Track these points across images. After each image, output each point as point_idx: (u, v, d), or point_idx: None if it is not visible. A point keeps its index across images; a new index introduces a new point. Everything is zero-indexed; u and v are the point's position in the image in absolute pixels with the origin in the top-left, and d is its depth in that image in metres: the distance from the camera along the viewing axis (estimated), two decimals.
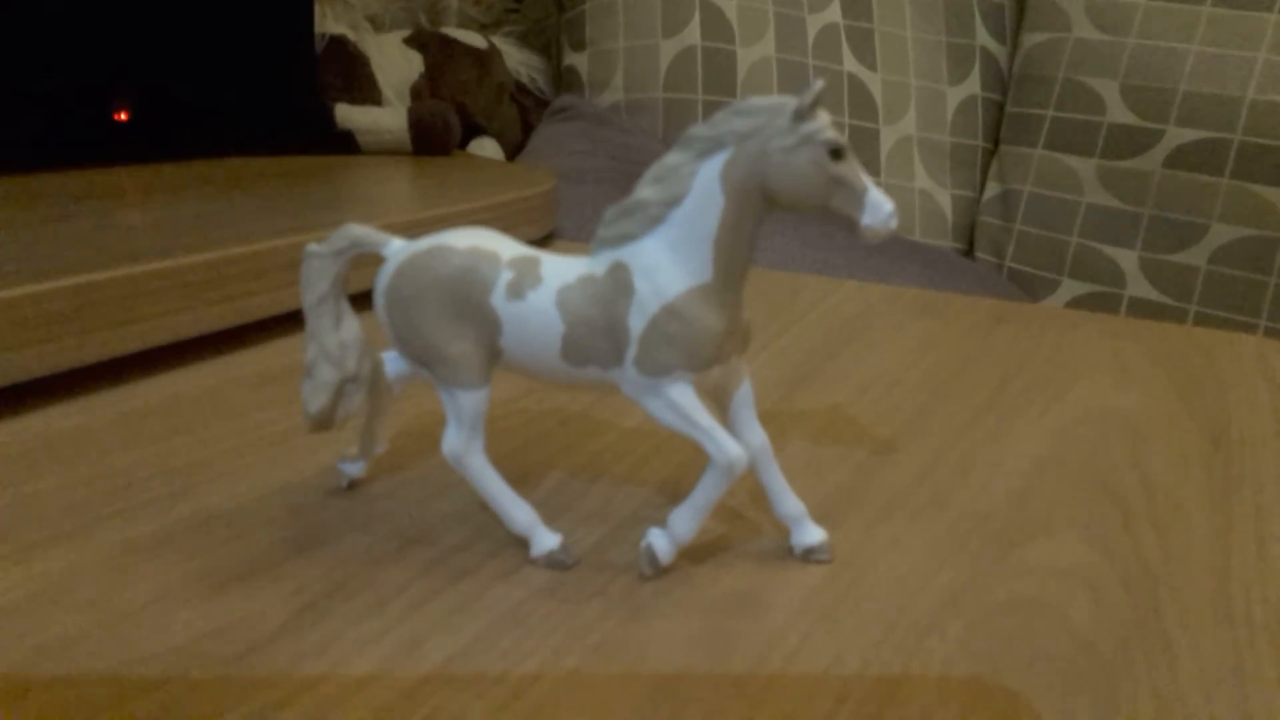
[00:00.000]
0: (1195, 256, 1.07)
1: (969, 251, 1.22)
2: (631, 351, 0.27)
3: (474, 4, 1.21)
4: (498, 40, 1.15)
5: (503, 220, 0.61)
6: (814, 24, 1.15)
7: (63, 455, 0.36)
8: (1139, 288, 1.10)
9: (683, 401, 0.27)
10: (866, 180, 0.26)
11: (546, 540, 0.29)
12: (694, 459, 0.34)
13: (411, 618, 0.27)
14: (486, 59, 1.09)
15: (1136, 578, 0.30)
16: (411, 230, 0.31)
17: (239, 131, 0.79)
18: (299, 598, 0.27)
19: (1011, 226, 1.17)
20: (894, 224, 0.26)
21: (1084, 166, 1.12)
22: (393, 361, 0.32)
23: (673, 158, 0.27)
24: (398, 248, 0.29)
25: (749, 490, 0.34)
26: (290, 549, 0.30)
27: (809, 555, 0.30)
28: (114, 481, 0.34)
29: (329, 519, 0.32)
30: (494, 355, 0.29)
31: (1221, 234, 1.06)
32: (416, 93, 1.00)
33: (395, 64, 1.00)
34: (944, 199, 1.19)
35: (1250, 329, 1.04)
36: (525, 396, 0.42)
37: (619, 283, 0.27)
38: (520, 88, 1.16)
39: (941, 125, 1.19)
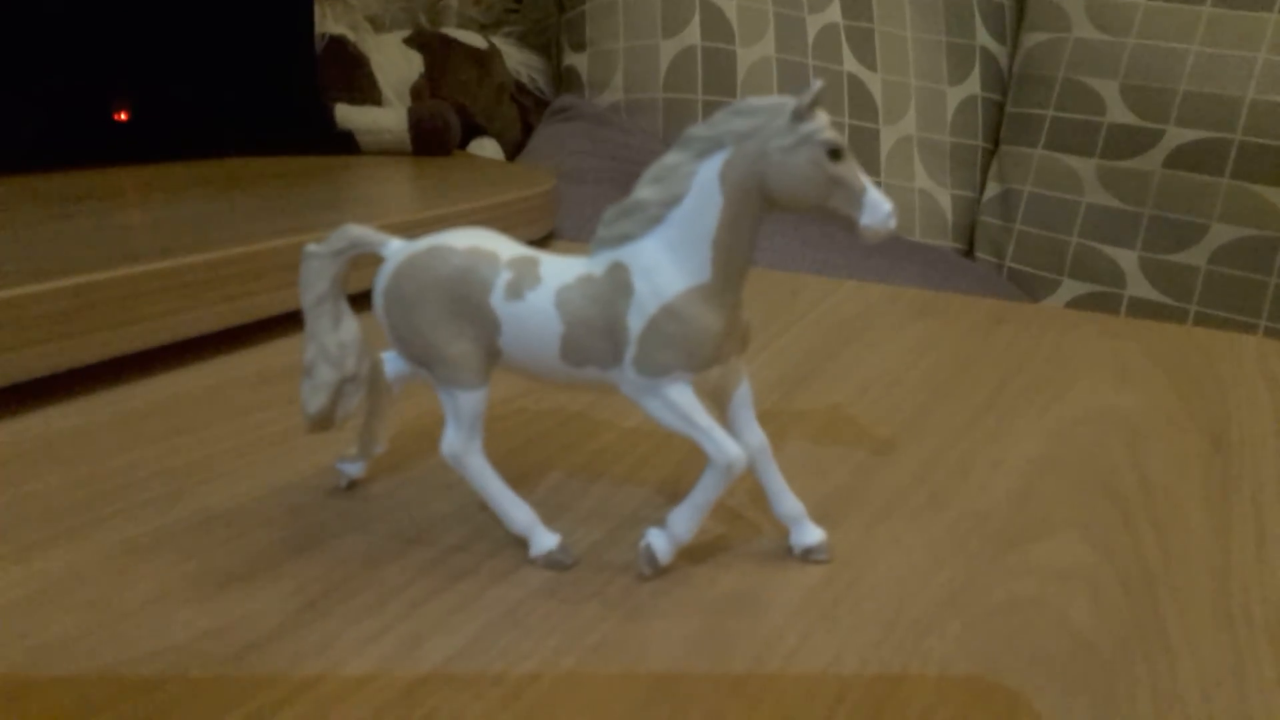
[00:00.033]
0: (1195, 256, 1.07)
1: (969, 251, 1.22)
2: (630, 352, 0.27)
3: (474, 4, 1.21)
4: (498, 40, 1.15)
5: (502, 220, 0.61)
6: (814, 24, 1.15)
7: (63, 455, 0.36)
8: (1139, 288, 1.10)
9: (681, 401, 0.27)
10: (865, 180, 0.26)
11: (545, 540, 0.29)
12: (693, 459, 0.34)
13: (410, 617, 0.27)
14: (486, 59, 1.09)
15: (1136, 578, 0.30)
16: (411, 230, 0.31)
17: (239, 131, 0.79)
18: (298, 597, 0.27)
19: (1011, 226, 1.17)
20: (893, 224, 0.26)
21: (1084, 166, 1.12)
22: (392, 361, 0.32)
23: (671, 158, 0.27)
24: (396, 248, 0.29)
25: (748, 490, 0.34)
26: (289, 549, 0.30)
27: (808, 555, 0.30)
28: (114, 481, 0.34)
29: (328, 519, 0.32)
30: (493, 355, 0.29)
31: (1221, 234, 1.06)
32: (416, 93, 1.00)
33: (395, 64, 1.00)
34: (944, 199, 1.19)
35: (1250, 329, 1.04)
36: (524, 396, 0.42)
37: (618, 283, 0.27)
38: (520, 88, 1.16)
39: (941, 125, 1.19)
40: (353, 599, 0.27)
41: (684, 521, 0.28)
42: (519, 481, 0.34)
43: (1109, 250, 1.11)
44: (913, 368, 0.49)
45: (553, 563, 0.29)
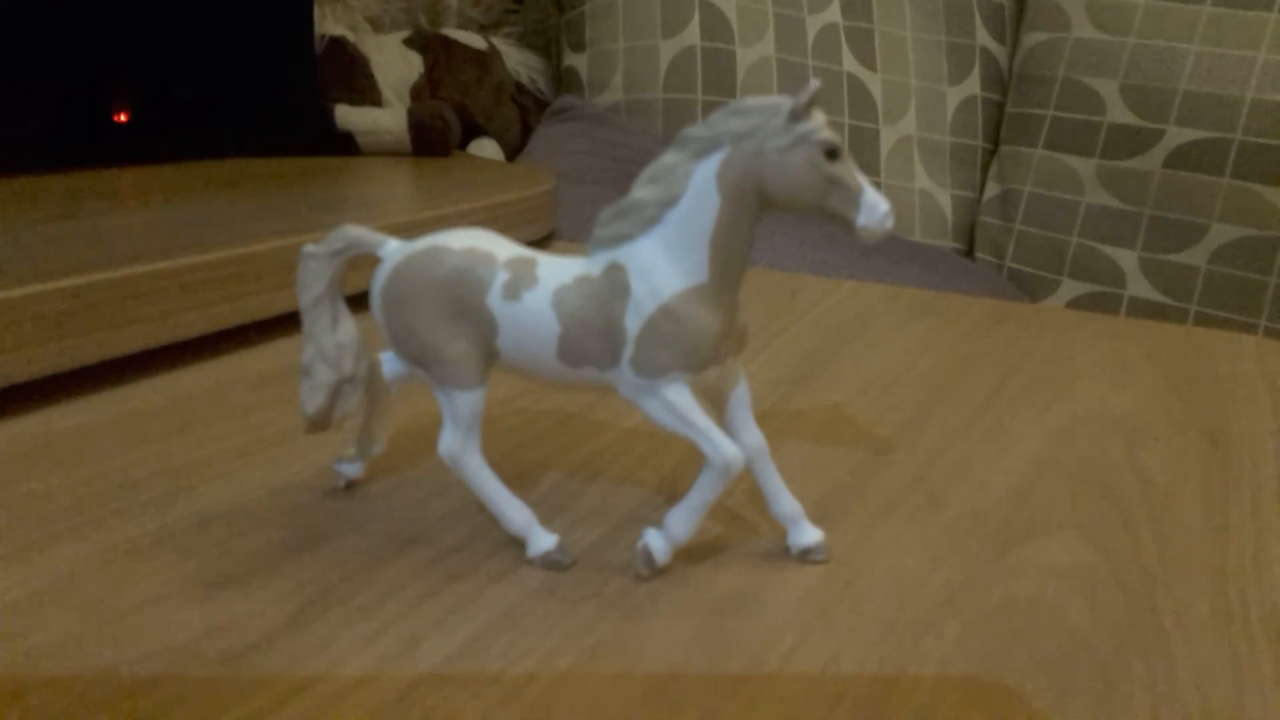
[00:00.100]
0: (1195, 256, 1.07)
1: (969, 252, 1.22)
2: (628, 352, 0.27)
3: (474, 5, 1.21)
4: (498, 41, 1.15)
5: (502, 221, 0.61)
6: (814, 24, 1.15)
7: (62, 455, 0.36)
8: (1139, 288, 1.10)
9: (679, 402, 0.27)
10: (862, 180, 0.26)
11: (543, 540, 0.29)
12: (691, 459, 0.34)
13: (408, 618, 0.27)
14: (486, 60, 1.10)
15: (1134, 577, 0.30)
16: (412, 231, 0.31)
17: (239, 132, 0.79)
18: (296, 598, 0.27)
19: (1011, 226, 1.17)
20: (890, 224, 0.26)
21: (1084, 166, 1.12)
22: (389, 362, 0.32)
23: (669, 158, 0.27)
24: (394, 248, 0.29)
25: (746, 490, 0.34)
26: (288, 549, 0.30)
27: (806, 555, 0.30)
28: (113, 481, 0.34)
29: (326, 519, 0.32)
30: (490, 356, 0.29)
31: (1221, 234, 1.06)
32: (416, 94, 1.00)
33: (395, 65, 1.00)
34: (944, 199, 1.19)
35: (1250, 329, 1.04)
36: (522, 397, 0.42)
37: (615, 283, 0.27)
38: (520, 88, 1.16)
39: (941, 125, 1.19)
40: (351, 599, 0.27)
41: (682, 522, 0.28)
42: (517, 482, 0.34)
43: (1109, 250, 1.11)
44: (912, 367, 0.49)
45: (550, 563, 0.29)
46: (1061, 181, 1.14)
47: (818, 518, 0.31)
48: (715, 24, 1.11)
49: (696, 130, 0.27)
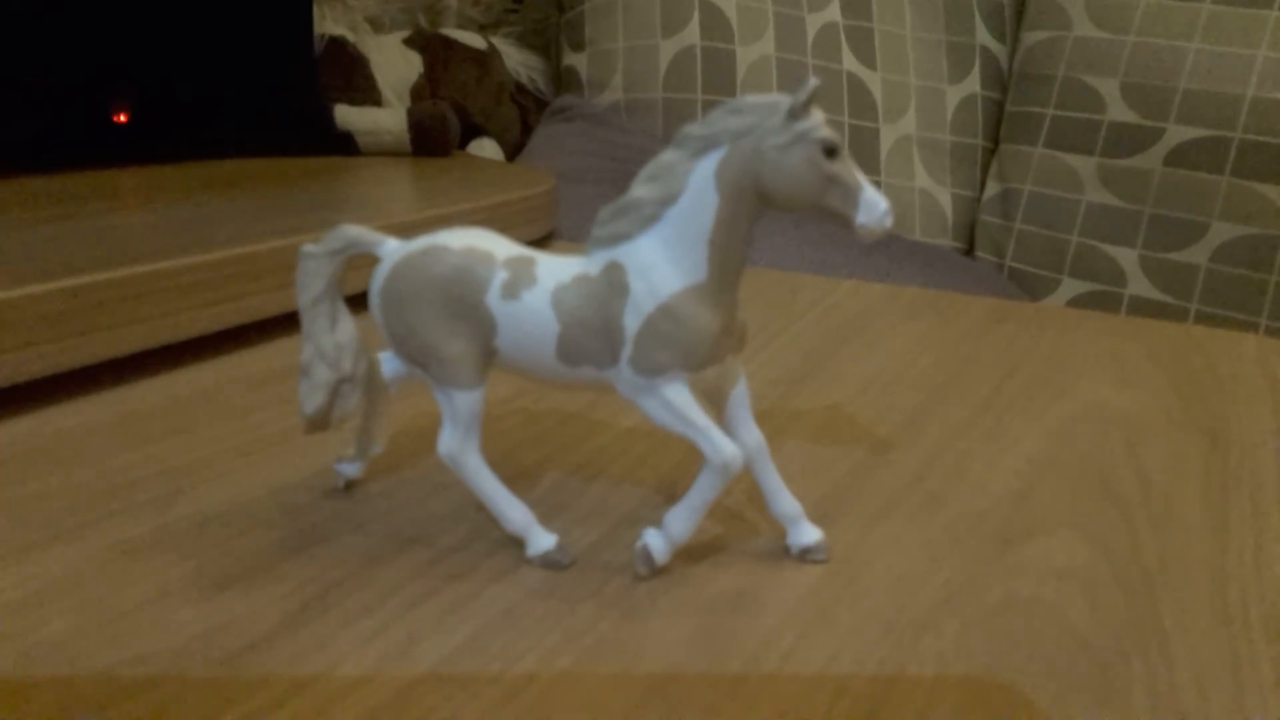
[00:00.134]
0: (1196, 255, 1.07)
1: (969, 251, 1.22)
2: (627, 351, 0.27)
3: (474, 4, 1.21)
4: (497, 41, 1.15)
5: (502, 220, 0.61)
6: (813, 23, 1.14)
7: (62, 455, 0.36)
8: (1139, 286, 1.10)
9: (678, 401, 0.27)
10: (861, 178, 0.26)
11: (542, 540, 0.29)
12: (690, 459, 0.34)
13: (407, 618, 0.27)
14: (486, 60, 1.09)
15: (1134, 577, 0.30)
16: (411, 231, 0.31)
17: (238, 133, 0.79)
18: (295, 598, 0.27)
19: (1011, 225, 1.17)
20: (889, 222, 0.26)
21: (1084, 165, 1.12)
22: (388, 362, 0.32)
23: (667, 156, 0.27)
24: (393, 248, 0.29)
25: (745, 490, 0.34)
26: (287, 549, 0.30)
27: (805, 555, 0.30)
28: (112, 481, 0.34)
29: (325, 519, 0.32)
30: (489, 355, 0.29)
31: (1222, 232, 1.05)
32: (416, 93, 1.00)
33: (395, 65, 1.00)
34: (944, 198, 1.19)
35: (1250, 328, 1.04)
36: (521, 396, 0.42)
37: (614, 282, 0.27)
38: (520, 88, 1.16)
39: (941, 124, 1.19)
40: (350, 599, 0.27)
41: (681, 522, 0.28)
42: (516, 481, 0.34)
43: (1109, 249, 1.11)
44: (912, 367, 0.49)
45: (550, 563, 0.29)
46: (1062, 180, 1.14)
47: (817, 517, 0.31)
48: (715, 23, 1.11)
49: (695, 129, 0.27)
